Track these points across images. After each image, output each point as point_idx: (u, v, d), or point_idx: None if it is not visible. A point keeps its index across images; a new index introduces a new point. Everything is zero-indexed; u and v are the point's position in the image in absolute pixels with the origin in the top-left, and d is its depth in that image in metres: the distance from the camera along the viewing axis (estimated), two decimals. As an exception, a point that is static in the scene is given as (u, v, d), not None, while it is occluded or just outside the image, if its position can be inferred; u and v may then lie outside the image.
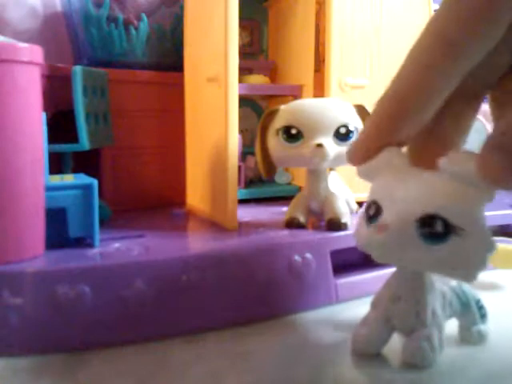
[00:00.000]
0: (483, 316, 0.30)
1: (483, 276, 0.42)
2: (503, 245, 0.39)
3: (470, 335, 0.30)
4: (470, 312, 0.29)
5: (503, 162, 0.19)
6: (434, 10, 0.50)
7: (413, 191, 0.22)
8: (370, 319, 0.28)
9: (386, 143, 0.24)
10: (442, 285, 0.28)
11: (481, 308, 0.30)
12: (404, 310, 0.27)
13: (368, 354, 0.28)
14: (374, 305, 0.28)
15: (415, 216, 0.22)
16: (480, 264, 0.22)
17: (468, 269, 0.22)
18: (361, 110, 0.38)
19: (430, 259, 0.22)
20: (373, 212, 0.24)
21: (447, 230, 0.21)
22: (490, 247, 0.22)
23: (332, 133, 0.37)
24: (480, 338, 0.30)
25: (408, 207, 0.22)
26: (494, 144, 0.20)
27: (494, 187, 0.21)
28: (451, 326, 0.30)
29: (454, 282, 0.29)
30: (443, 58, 0.21)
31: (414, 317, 0.26)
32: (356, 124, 0.37)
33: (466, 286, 0.30)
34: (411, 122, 0.23)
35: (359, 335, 0.28)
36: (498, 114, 0.24)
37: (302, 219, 0.40)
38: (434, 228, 0.21)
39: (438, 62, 0.21)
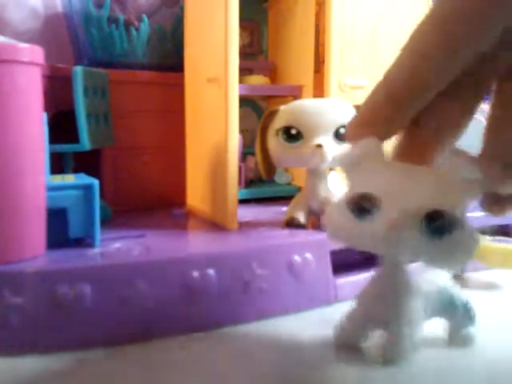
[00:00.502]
0: (471, 318, 0.30)
1: (482, 275, 0.43)
2: (502, 244, 0.39)
3: (458, 338, 0.30)
4: (457, 314, 0.29)
5: (498, 171, 0.22)
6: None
7: (415, 187, 0.23)
8: (352, 313, 0.29)
9: (377, 130, 0.24)
10: (427, 284, 0.29)
11: (468, 310, 0.30)
12: (381, 306, 0.27)
13: (348, 346, 0.29)
14: (357, 300, 0.29)
15: (424, 211, 0.22)
16: (470, 254, 0.23)
17: (464, 259, 0.23)
18: (360, 111, 0.38)
19: (433, 252, 0.23)
20: (368, 206, 0.23)
21: (451, 224, 0.22)
22: (478, 238, 0.23)
23: (332, 133, 0.37)
24: (467, 341, 0.30)
25: (417, 203, 0.23)
26: (494, 157, 0.22)
27: (490, 188, 0.23)
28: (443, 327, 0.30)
29: (440, 283, 0.29)
30: (440, 50, 0.21)
31: (389, 314, 0.27)
32: (356, 124, 0.37)
33: (454, 287, 0.30)
34: (402, 111, 0.23)
35: (341, 328, 0.29)
36: (495, 114, 0.24)
37: (302, 219, 0.40)
38: (441, 223, 0.22)
39: (435, 54, 0.21)
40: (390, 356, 0.27)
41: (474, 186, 0.23)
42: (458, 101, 0.24)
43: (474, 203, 0.24)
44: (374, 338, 0.28)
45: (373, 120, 0.24)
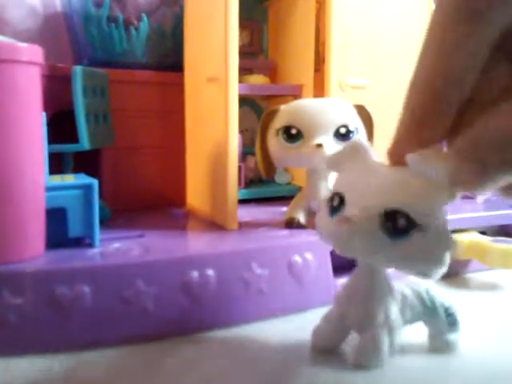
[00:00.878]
0: (452, 324, 0.29)
1: (484, 276, 0.42)
2: (503, 245, 0.39)
3: (438, 344, 0.29)
4: (438, 319, 0.29)
5: (474, 170, 0.19)
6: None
7: (378, 186, 0.23)
8: (329, 315, 0.29)
9: (433, 131, 0.21)
10: (405, 288, 0.28)
11: (449, 316, 0.29)
12: (355, 309, 0.27)
13: (325, 348, 0.29)
14: (334, 301, 0.28)
15: (379, 210, 0.22)
16: (439, 261, 0.22)
17: (427, 265, 0.22)
18: (361, 111, 0.38)
19: (391, 254, 0.22)
20: (336, 203, 0.24)
21: (409, 225, 0.22)
22: (450, 244, 0.22)
23: (332, 133, 0.36)
24: (448, 348, 0.29)
25: (373, 201, 0.22)
26: (466, 154, 0.19)
27: (460, 190, 0.21)
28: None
29: (420, 287, 0.29)
30: (466, 25, 0.19)
31: (363, 317, 0.27)
32: (356, 124, 0.37)
33: (436, 292, 0.29)
34: (452, 101, 0.20)
35: (317, 329, 0.29)
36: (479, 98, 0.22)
37: (302, 219, 0.40)
38: (397, 223, 0.22)
39: (463, 30, 0.19)
40: (363, 360, 0.27)
41: (443, 188, 0.21)
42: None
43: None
44: (351, 341, 0.28)
45: (426, 122, 0.21)
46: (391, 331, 0.27)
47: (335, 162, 0.26)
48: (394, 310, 0.27)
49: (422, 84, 0.21)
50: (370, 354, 0.26)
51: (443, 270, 0.23)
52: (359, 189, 0.23)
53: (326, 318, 0.29)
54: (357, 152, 0.25)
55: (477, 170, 0.19)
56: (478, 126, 0.19)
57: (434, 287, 0.29)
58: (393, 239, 0.22)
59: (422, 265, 0.22)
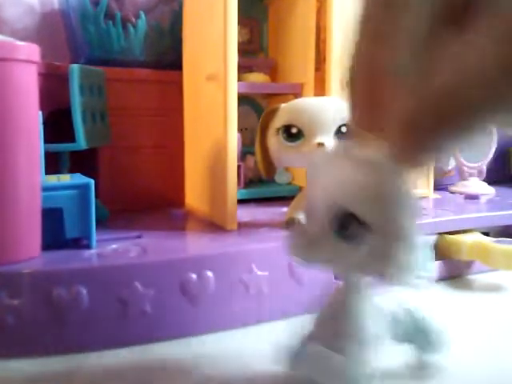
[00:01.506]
0: (436, 345, 0.27)
1: (487, 277, 0.42)
2: (506, 245, 0.39)
3: (420, 365, 0.27)
4: (423, 337, 0.27)
5: (416, 141, 0.17)
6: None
7: (330, 187, 0.21)
8: (309, 335, 0.26)
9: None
10: (396, 306, 0.26)
11: (435, 335, 0.27)
12: (334, 328, 0.24)
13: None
14: (315, 320, 0.26)
15: (330, 214, 0.21)
16: (398, 263, 0.20)
17: (385, 268, 0.20)
18: (362, 109, 0.38)
19: (348, 258, 0.21)
20: None
21: (358, 227, 0.20)
22: (410, 247, 0.20)
23: (333, 132, 0.36)
24: (429, 369, 0.27)
25: (325, 204, 0.21)
26: (407, 124, 0.17)
27: (406, 168, 0.19)
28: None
29: (408, 304, 0.27)
30: None
31: (340, 335, 0.24)
32: (357, 123, 0.37)
33: (419, 311, 0.27)
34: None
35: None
36: None
37: (302, 220, 0.39)
38: (347, 226, 0.20)
39: None
40: (340, 381, 0.24)
41: (389, 173, 0.19)
42: None
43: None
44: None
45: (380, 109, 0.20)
46: (365, 346, 0.24)
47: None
48: (374, 326, 0.24)
49: (366, 71, 0.20)
50: (344, 375, 0.23)
51: (411, 273, 0.20)
52: (321, 188, 0.22)
53: (305, 340, 0.26)
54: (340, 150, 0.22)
55: (410, 141, 0.17)
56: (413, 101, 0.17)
57: (415, 306, 0.27)
58: (345, 243, 0.20)
59: (379, 267, 0.20)
